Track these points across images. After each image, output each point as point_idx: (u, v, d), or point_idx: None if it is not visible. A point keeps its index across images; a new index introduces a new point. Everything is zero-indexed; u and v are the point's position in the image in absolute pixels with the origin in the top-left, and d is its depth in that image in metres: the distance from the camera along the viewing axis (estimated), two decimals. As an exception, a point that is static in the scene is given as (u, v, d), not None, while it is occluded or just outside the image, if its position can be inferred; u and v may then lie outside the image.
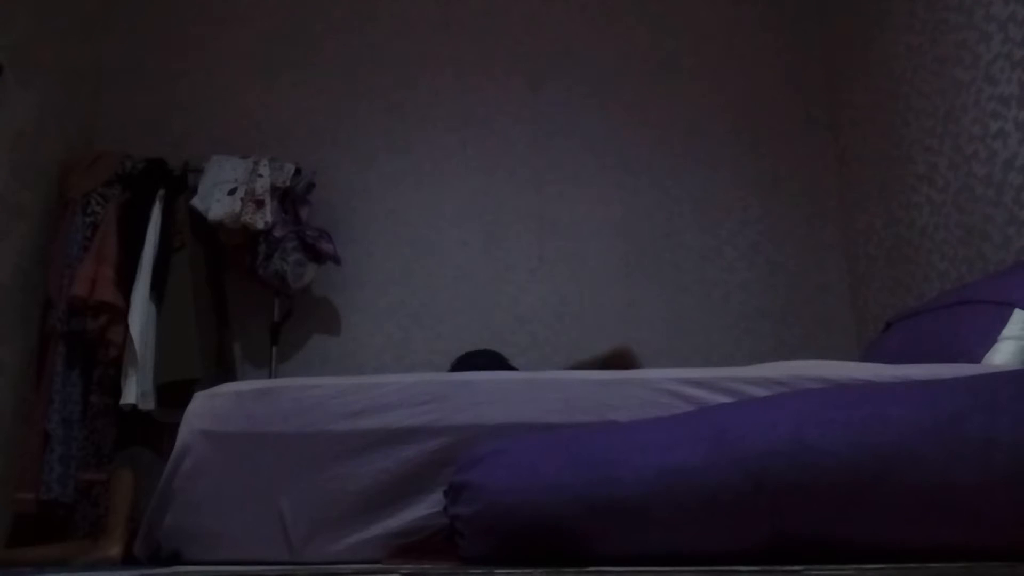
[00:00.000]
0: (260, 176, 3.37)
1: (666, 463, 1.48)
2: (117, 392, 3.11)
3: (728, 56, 3.94)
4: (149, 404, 3.10)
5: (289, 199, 3.48)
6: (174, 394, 3.05)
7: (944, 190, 2.96)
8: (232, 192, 3.31)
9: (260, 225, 3.30)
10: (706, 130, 3.87)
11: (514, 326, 3.62)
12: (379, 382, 1.97)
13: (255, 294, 3.54)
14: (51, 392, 3.08)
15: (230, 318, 3.51)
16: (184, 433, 1.97)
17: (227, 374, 3.34)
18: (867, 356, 2.77)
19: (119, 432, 3.15)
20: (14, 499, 3.01)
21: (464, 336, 3.57)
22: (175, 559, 1.92)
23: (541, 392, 1.91)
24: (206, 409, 2.00)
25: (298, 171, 3.51)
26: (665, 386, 1.88)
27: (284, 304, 3.56)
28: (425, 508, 1.80)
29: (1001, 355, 2.12)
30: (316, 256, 3.45)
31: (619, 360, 2.84)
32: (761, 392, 1.80)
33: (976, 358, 2.14)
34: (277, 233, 3.36)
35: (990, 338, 2.16)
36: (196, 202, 3.31)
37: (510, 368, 3.02)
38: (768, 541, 1.43)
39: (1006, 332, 2.15)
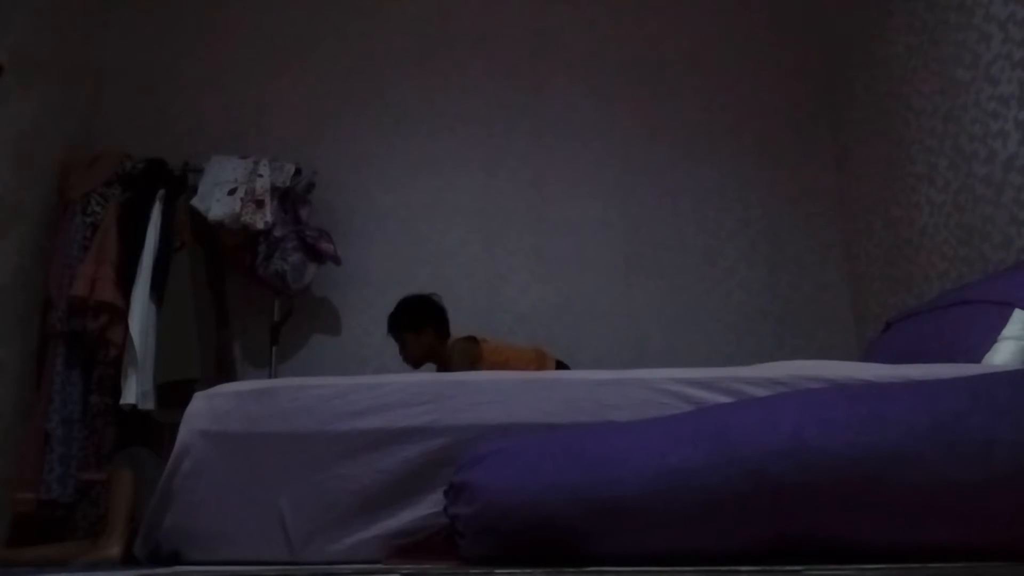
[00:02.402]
0: (260, 176, 3.37)
1: (666, 463, 1.48)
2: (117, 392, 3.11)
3: (728, 56, 3.94)
4: (149, 404, 3.10)
5: (289, 199, 3.48)
6: (174, 394, 3.05)
7: (944, 190, 2.96)
8: (232, 192, 3.31)
9: (260, 225, 3.30)
10: (706, 130, 3.87)
11: (514, 326, 3.62)
12: (379, 382, 1.98)
13: (255, 294, 3.54)
14: (51, 392, 3.09)
15: (230, 318, 3.51)
16: (184, 433, 1.98)
17: (227, 374, 3.34)
18: (867, 356, 2.77)
19: (119, 432, 3.16)
20: (14, 499, 3.01)
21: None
22: (175, 559, 1.92)
23: (541, 392, 1.91)
24: (206, 409, 2.00)
25: (298, 171, 3.51)
26: (665, 386, 1.88)
27: (284, 304, 3.56)
28: (425, 508, 1.81)
29: (1001, 355, 2.12)
30: (316, 256, 3.45)
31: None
32: (761, 392, 1.80)
33: (976, 358, 2.14)
34: (277, 233, 3.36)
35: (990, 338, 2.16)
36: (196, 202, 3.31)
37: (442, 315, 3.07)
38: (768, 541, 1.43)
39: (1006, 332, 2.15)
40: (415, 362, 3.08)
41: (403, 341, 3.08)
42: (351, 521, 1.83)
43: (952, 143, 2.90)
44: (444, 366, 3.02)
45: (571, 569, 1.39)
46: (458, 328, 3.13)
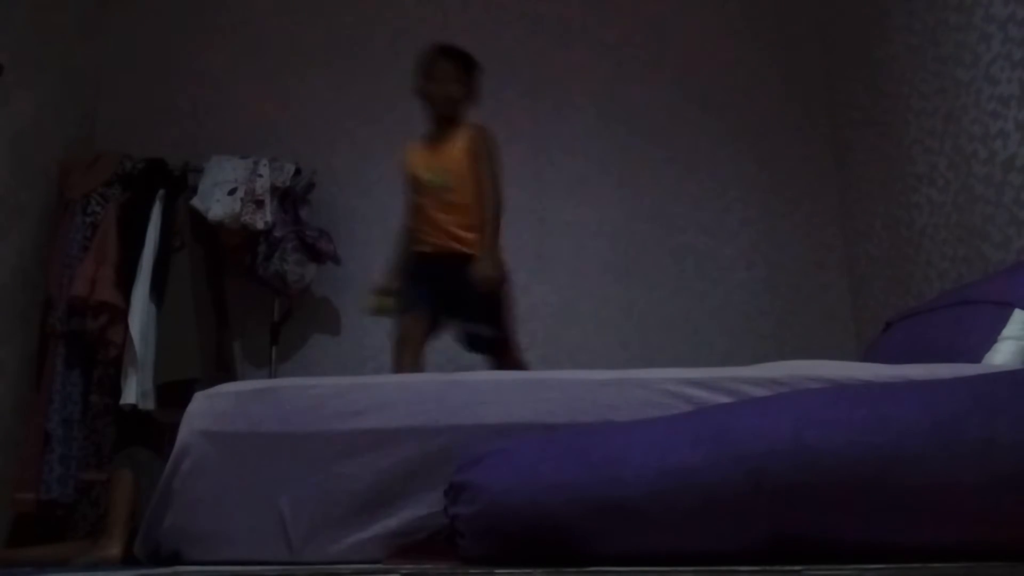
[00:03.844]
0: (260, 176, 3.37)
1: (666, 463, 1.47)
2: (117, 392, 3.11)
3: (727, 56, 3.94)
4: (149, 404, 3.10)
5: (289, 199, 3.48)
6: (174, 394, 3.05)
7: (944, 190, 2.96)
8: (232, 192, 3.31)
9: (260, 225, 3.30)
10: (706, 130, 3.87)
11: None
12: (379, 382, 1.98)
13: (255, 294, 3.54)
14: (51, 392, 3.09)
15: (230, 318, 3.51)
16: (184, 433, 1.97)
17: (227, 374, 3.34)
18: (867, 356, 2.77)
19: (119, 432, 3.16)
20: (14, 499, 3.01)
21: (464, 336, 3.57)
22: (175, 559, 1.92)
23: (541, 392, 1.90)
24: (206, 409, 2.00)
25: (298, 171, 3.51)
26: (665, 386, 1.87)
27: (284, 304, 3.56)
28: (425, 508, 1.80)
29: (1001, 355, 2.12)
30: (316, 256, 3.46)
31: None
32: (761, 392, 1.80)
33: (976, 358, 2.14)
34: (277, 233, 3.37)
35: (990, 338, 2.16)
36: (196, 202, 3.31)
37: None
38: (768, 541, 1.43)
39: (1006, 332, 2.15)
40: (437, 99, 2.84)
41: (443, 74, 2.86)
42: (351, 521, 1.83)
43: (952, 143, 2.89)
44: (446, 133, 2.86)
45: (571, 569, 1.39)
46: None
